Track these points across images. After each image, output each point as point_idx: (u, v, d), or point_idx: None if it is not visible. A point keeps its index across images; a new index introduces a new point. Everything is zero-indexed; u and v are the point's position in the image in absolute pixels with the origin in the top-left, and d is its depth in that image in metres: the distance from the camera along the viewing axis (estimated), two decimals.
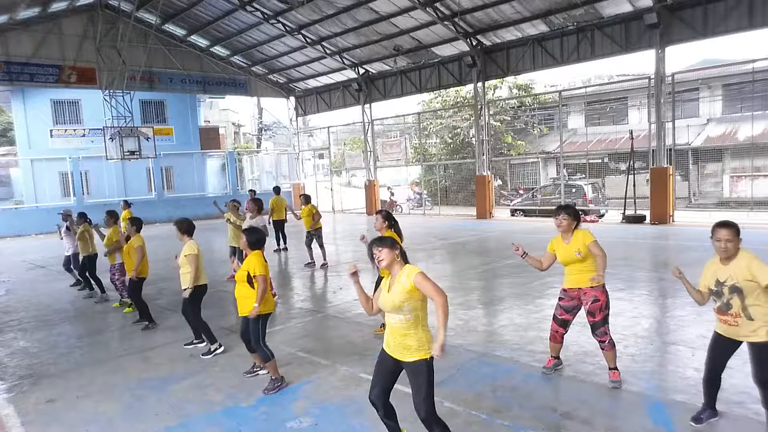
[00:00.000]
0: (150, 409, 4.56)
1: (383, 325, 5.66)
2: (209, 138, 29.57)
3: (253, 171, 33.24)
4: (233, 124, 41.25)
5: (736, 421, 3.86)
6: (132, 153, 20.53)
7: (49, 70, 19.87)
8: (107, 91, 20.67)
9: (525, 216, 20.11)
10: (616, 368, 4.57)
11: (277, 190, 13.86)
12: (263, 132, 43.38)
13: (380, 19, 18.31)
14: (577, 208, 4.79)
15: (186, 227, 6.03)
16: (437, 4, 16.59)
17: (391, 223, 5.94)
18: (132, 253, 6.96)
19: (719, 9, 13.44)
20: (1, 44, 18.92)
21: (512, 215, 20.68)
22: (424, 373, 3.25)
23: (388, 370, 3.42)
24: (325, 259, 11.00)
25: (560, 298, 4.72)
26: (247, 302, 4.78)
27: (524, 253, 4.62)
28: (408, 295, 3.18)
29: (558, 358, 4.93)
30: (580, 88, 27.56)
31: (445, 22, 17.23)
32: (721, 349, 3.73)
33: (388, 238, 3.42)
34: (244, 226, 8.57)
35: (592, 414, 4.05)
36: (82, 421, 4.42)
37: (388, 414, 3.47)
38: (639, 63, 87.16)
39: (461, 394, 4.48)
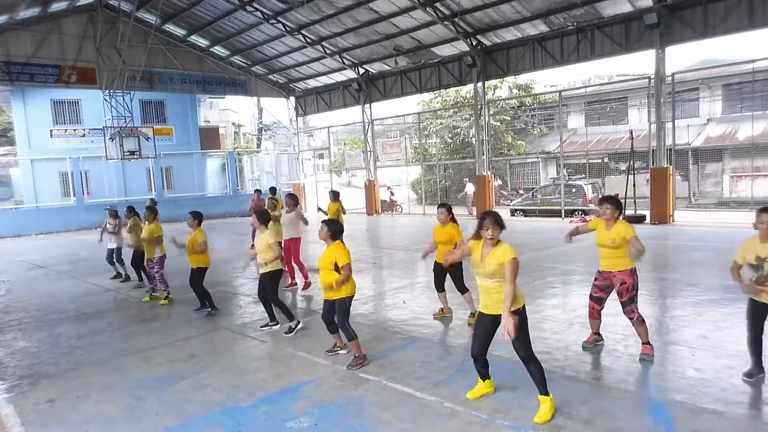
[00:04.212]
0: (150, 409, 4.56)
1: (441, 309, 6.85)
2: (209, 138, 29.58)
3: (253, 171, 33.25)
4: (233, 124, 41.26)
5: (736, 421, 3.86)
6: (132, 153, 20.55)
7: (49, 70, 19.87)
8: (107, 91, 20.67)
9: (525, 216, 20.11)
10: (647, 343, 5.05)
11: (273, 190, 14.04)
12: (263, 132, 43.40)
13: (380, 19, 18.31)
14: (618, 199, 5.42)
15: (264, 219, 6.65)
16: (437, 4, 16.59)
17: (452, 215, 6.59)
18: (197, 246, 7.46)
19: (719, 9, 13.44)
20: (1, 44, 18.92)
21: (512, 215, 20.67)
22: (517, 320, 3.93)
23: (486, 327, 4.15)
24: None
25: (595, 278, 5.29)
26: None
27: (570, 239, 5.58)
28: (500, 267, 4.03)
29: (599, 334, 5.46)
30: (580, 88, 27.58)
31: (445, 22, 17.23)
32: (758, 314, 4.39)
33: (498, 216, 4.12)
34: (281, 220, 9.24)
35: (592, 414, 4.05)
36: (82, 421, 4.42)
37: (483, 366, 4.30)
38: (639, 63, 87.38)
39: (461, 394, 4.48)
